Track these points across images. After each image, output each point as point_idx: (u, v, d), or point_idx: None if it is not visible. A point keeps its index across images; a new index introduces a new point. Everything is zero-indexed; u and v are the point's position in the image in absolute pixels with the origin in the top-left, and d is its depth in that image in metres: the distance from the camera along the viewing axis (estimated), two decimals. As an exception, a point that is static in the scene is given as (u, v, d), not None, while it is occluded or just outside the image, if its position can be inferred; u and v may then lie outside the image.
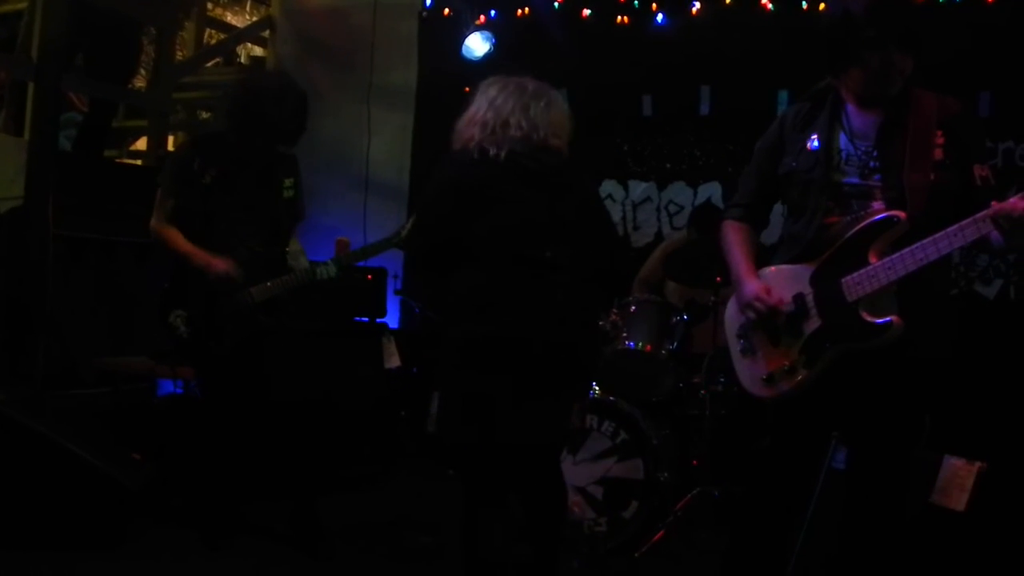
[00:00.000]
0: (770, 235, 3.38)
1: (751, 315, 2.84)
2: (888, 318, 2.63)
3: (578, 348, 3.16)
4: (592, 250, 3.21)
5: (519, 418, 3.03)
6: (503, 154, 3.07)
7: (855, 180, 2.77)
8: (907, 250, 2.60)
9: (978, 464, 3.46)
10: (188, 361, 4.34)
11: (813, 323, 2.76)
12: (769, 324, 2.83)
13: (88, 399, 5.34)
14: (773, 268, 2.90)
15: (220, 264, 3.94)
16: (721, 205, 5.91)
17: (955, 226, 2.54)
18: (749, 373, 2.91)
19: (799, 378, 2.77)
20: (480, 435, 3.06)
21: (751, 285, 2.87)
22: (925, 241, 2.57)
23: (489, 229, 3.05)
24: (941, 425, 3.56)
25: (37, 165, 5.25)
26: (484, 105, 3.19)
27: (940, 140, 2.71)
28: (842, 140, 2.80)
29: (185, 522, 4.27)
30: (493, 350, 3.01)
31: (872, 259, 2.66)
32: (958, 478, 3.44)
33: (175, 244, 4.00)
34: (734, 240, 3.02)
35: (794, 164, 2.87)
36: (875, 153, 2.76)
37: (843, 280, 2.70)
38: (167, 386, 5.51)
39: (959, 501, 3.41)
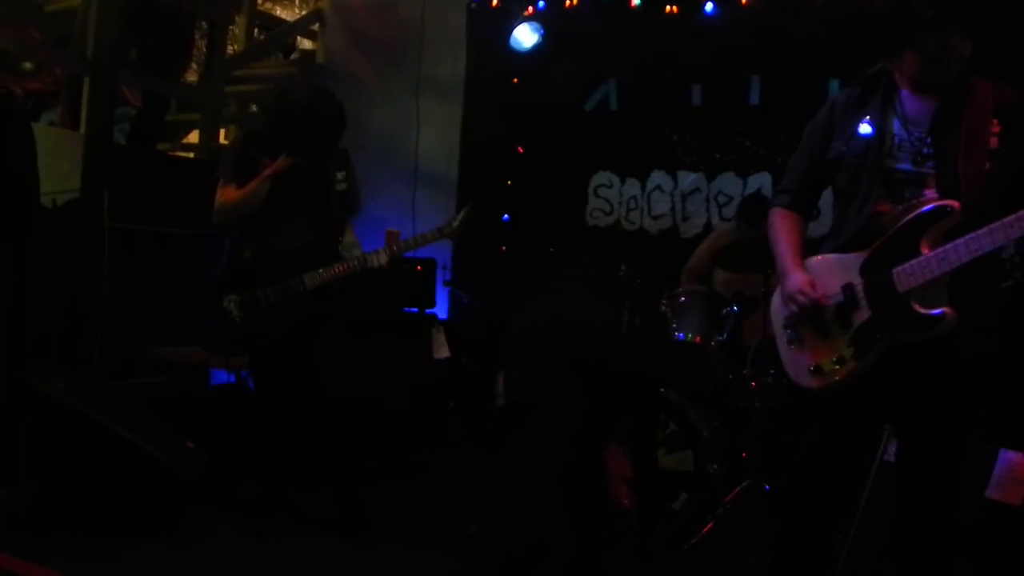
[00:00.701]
0: (819, 228, 3.34)
1: (793, 308, 2.81)
2: (940, 310, 2.59)
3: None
4: None
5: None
6: None
7: (907, 167, 2.72)
8: (961, 240, 2.56)
9: (1035, 458, 3.41)
10: (240, 349, 4.40)
11: (863, 314, 2.72)
12: (815, 316, 2.79)
13: (143, 388, 5.42)
14: (820, 257, 2.87)
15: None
16: (769, 196, 5.85)
17: (1012, 216, 2.50)
18: (796, 364, 2.87)
19: (848, 370, 2.73)
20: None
21: (796, 277, 2.83)
22: (980, 232, 2.53)
23: None
24: (997, 418, 3.52)
25: (93, 159, 5.33)
26: None
27: (996, 129, 2.66)
28: (895, 125, 2.76)
29: (238, 509, 4.34)
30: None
31: (924, 249, 2.62)
32: (1014, 472, 3.39)
33: (241, 193, 4.07)
34: (781, 228, 2.98)
35: (844, 149, 2.83)
36: (929, 140, 2.71)
37: (895, 270, 2.65)
38: (220, 376, 5.58)
39: (1016, 495, 3.37)
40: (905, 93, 2.79)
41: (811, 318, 2.80)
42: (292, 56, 8.65)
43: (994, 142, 2.66)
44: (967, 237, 2.55)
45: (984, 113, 2.67)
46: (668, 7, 6.29)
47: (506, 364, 3.32)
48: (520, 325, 3.37)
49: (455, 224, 4.18)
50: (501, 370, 3.36)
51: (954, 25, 2.64)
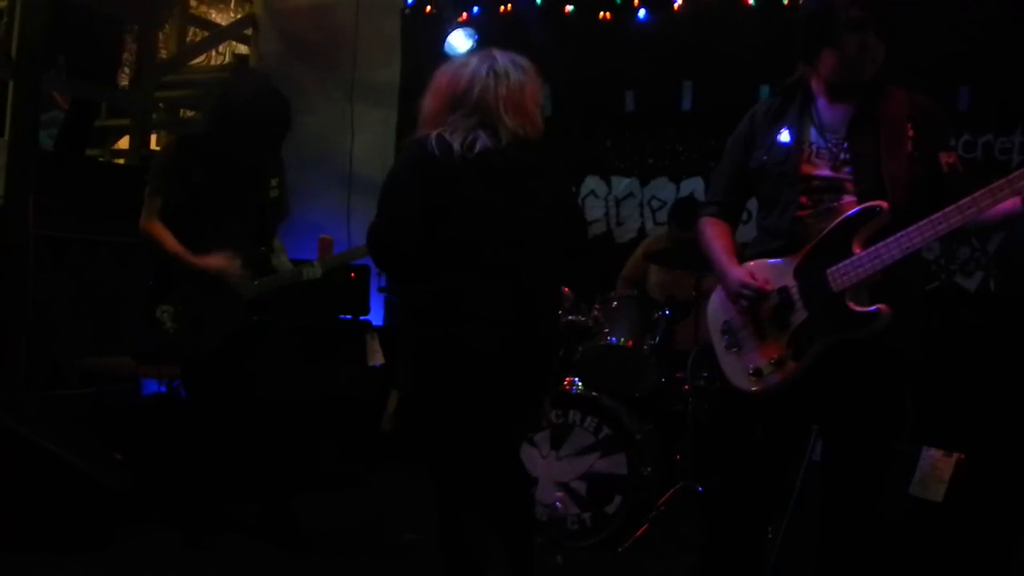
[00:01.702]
0: (750, 231, 3.39)
1: (741, 302, 2.83)
2: (875, 307, 2.64)
3: (543, 347, 3.09)
4: (559, 247, 3.12)
5: (486, 414, 2.97)
6: (468, 150, 2.89)
7: (826, 173, 2.78)
8: (892, 239, 2.61)
9: (956, 455, 3.48)
10: (173, 359, 4.33)
11: (799, 315, 2.76)
12: (755, 318, 2.84)
13: (71, 400, 5.33)
14: (752, 263, 2.90)
15: (214, 261, 3.95)
16: (699, 199, 5.91)
17: (938, 214, 2.56)
18: (735, 368, 2.90)
19: (788, 370, 2.76)
20: (447, 432, 2.98)
21: (735, 273, 2.86)
22: (910, 229, 2.59)
23: (453, 233, 2.91)
24: (921, 417, 3.59)
25: (18, 164, 5.24)
26: (449, 86, 3.00)
27: (911, 133, 2.74)
28: (812, 133, 2.82)
29: (169, 522, 4.27)
30: (460, 352, 2.90)
31: (856, 249, 2.66)
32: (936, 469, 3.46)
33: (164, 243, 3.97)
34: (712, 234, 3.02)
35: (764, 158, 2.88)
36: (845, 145, 2.77)
37: (828, 270, 2.70)
38: (151, 386, 5.50)
39: (937, 492, 3.44)
40: (821, 102, 2.85)
41: (752, 319, 2.84)
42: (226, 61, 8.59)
43: (909, 146, 2.73)
44: (897, 235, 2.61)
45: (899, 118, 2.75)
46: (602, 13, 6.34)
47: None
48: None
49: None
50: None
51: (875, 26, 2.71)
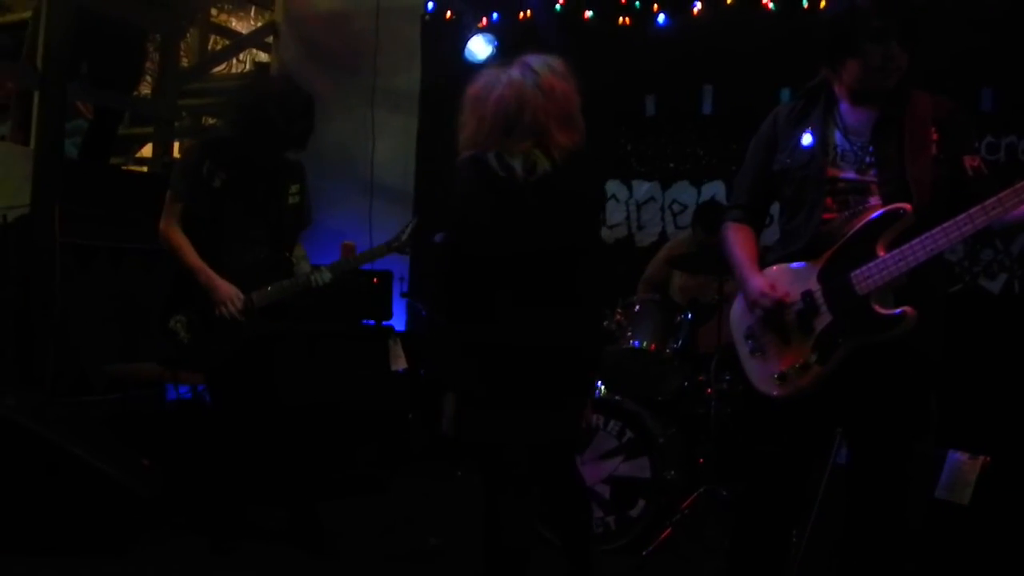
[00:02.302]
0: (773, 235, 3.39)
1: (759, 312, 2.84)
2: (900, 309, 2.63)
3: (584, 352, 3.17)
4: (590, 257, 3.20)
5: (533, 417, 3.04)
6: (518, 166, 2.99)
7: (852, 175, 2.78)
8: (916, 240, 2.61)
9: (982, 458, 3.47)
10: (194, 366, 4.36)
11: (824, 319, 2.75)
12: (778, 322, 2.83)
13: (98, 405, 5.36)
14: (775, 268, 2.90)
15: (225, 289, 3.97)
16: (724, 202, 5.91)
17: (963, 215, 2.56)
18: (760, 372, 2.89)
19: (813, 375, 2.75)
20: (499, 434, 3.06)
21: (755, 282, 2.87)
22: (935, 230, 2.59)
23: (511, 244, 3.01)
24: (946, 419, 3.58)
25: (43, 173, 5.29)
26: (498, 107, 3.03)
27: (935, 137, 2.73)
28: (837, 136, 2.82)
29: (194, 527, 4.30)
30: (507, 356, 3.01)
31: (880, 252, 2.66)
32: (962, 473, 3.45)
33: (183, 253, 4.00)
34: (735, 241, 3.02)
35: (788, 161, 2.88)
36: (871, 149, 2.77)
37: (853, 274, 2.69)
38: (173, 392, 5.53)
39: (963, 496, 3.42)
40: (844, 105, 2.85)
41: (775, 323, 2.83)
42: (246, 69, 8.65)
43: (934, 149, 2.72)
44: (922, 237, 2.60)
45: (923, 121, 2.74)
46: (621, 19, 6.35)
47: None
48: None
49: (403, 238, 4.19)
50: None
51: (898, 36, 2.70)
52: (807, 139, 2.84)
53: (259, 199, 4.11)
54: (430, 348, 5.97)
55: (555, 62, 3.10)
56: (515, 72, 3.04)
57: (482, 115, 3.04)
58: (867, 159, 2.77)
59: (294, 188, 4.20)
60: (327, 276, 4.12)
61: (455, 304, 3.18)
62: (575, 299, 3.06)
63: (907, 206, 2.65)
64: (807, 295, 2.78)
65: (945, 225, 2.58)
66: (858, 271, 2.69)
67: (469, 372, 3.10)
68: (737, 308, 3.02)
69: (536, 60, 3.08)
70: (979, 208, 2.55)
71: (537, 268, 3.01)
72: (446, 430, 5.12)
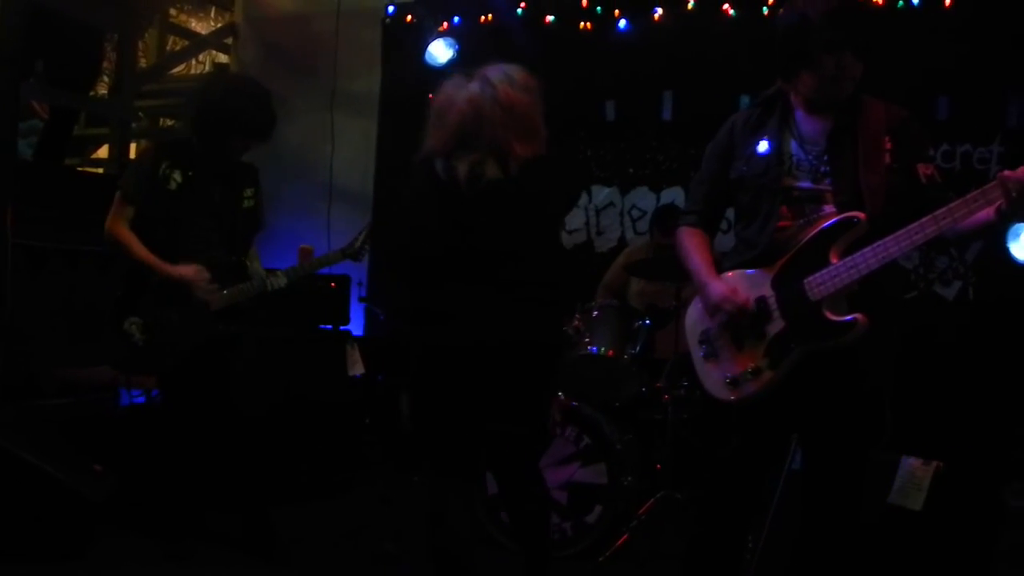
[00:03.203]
0: (728, 241, 3.40)
1: (722, 316, 2.86)
2: (852, 316, 2.66)
3: (545, 349, 3.17)
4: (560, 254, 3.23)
5: (493, 407, 3.07)
6: (467, 173, 3.00)
7: (807, 184, 2.80)
8: (868, 249, 2.64)
9: (935, 464, 3.50)
10: (148, 369, 4.31)
11: (776, 325, 2.79)
12: (732, 328, 2.85)
13: (49, 410, 5.28)
14: (730, 274, 2.92)
15: (183, 269, 3.93)
16: (681, 207, 5.93)
17: (915, 224, 2.60)
18: (713, 377, 2.92)
19: (764, 380, 2.78)
20: (454, 422, 3.08)
21: (716, 286, 2.88)
22: (887, 239, 2.62)
23: (457, 247, 3.03)
24: (900, 425, 3.61)
25: (-5, 174, 5.20)
26: (457, 121, 3.05)
27: (888, 146, 2.77)
28: (792, 145, 2.84)
29: (148, 533, 4.25)
30: (465, 357, 3.02)
31: (833, 259, 2.69)
32: (915, 478, 3.48)
33: (131, 250, 3.96)
34: (691, 245, 3.04)
35: (744, 169, 2.90)
36: (825, 158, 2.80)
37: (806, 280, 2.72)
38: (126, 396, 5.46)
39: (916, 501, 3.45)
40: (800, 114, 2.88)
41: (729, 330, 2.85)
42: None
43: (887, 158, 2.76)
44: (875, 244, 2.63)
45: (877, 130, 2.77)
46: (582, 23, 6.36)
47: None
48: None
49: (356, 244, 4.19)
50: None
51: (851, 48, 2.72)
52: (763, 147, 2.86)
53: (215, 201, 4.08)
54: (389, 348, 5.95)
55: (517, 73, 3.10)
56: (475, 86, 3.05)
57: (442, 128, 3.06)
58: (822, 168, 2.80)
59: (249, 192, 4.19)
60: (282, 281, 4.12)
61: (407, 303, 3.19)
62: (531, 297, 3.05)
63: (860, 215, 2.68)
64: (761, 301, 2.81)
65: (897, 234, 2.62)
66: (811, 278, 2.72)
67: (424, 369, 3.11)
68: (692, 313, 3.04)
69: (496, 73, 3.07)
70: (930, 218, 2.59)
71: (486, 268, 3.01)
72: (405, 428, 5.10)
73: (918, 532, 3.42)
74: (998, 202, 2.52)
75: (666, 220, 5.28)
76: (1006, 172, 2.51)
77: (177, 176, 4.01)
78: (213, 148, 4.03)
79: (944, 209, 2.57)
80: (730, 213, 3.10)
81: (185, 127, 4.82)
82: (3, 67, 5.28)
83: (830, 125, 2.82)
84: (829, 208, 2.76)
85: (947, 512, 3.44)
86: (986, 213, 2.57)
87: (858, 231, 2.68)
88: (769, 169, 2.83)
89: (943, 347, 5.11)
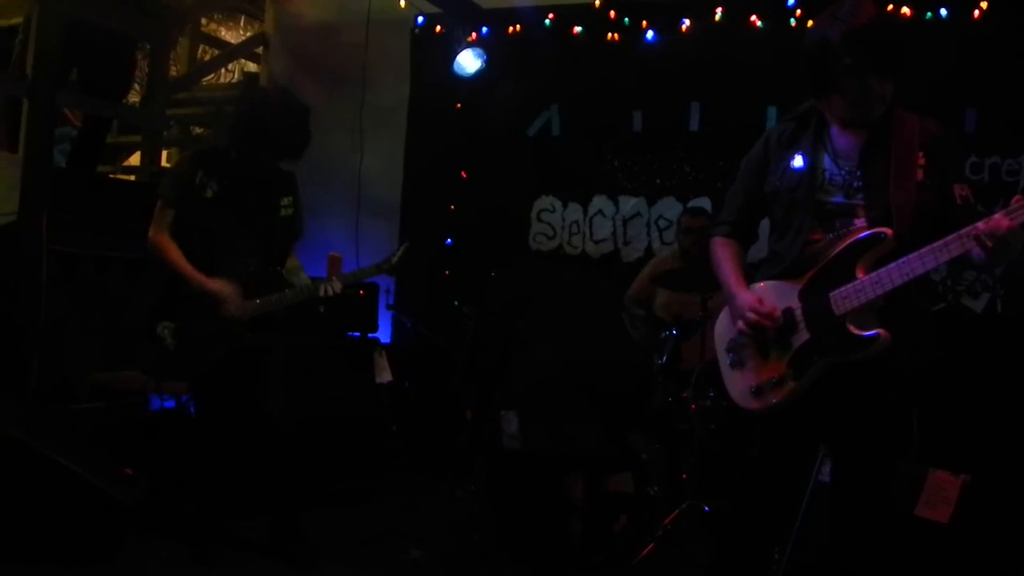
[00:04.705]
0: (759, 252, 3.41)
1: (743, 327, 2.87)
2: (874, 331, 2.67)
3: None
4: None
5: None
6: None
7: (840, 199, 2.81)
8: (893, 265, 2.65)
9: (962, 477, 3.49)
10: (178, 375, 4.35)
11: (801, 336, 2.80)
12: (759, 337, 2.86)
13: (82, 414, 5.34)
14: (761, 284, 2.94)
15: (216, 284, 3.98)
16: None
17: (940, 241, 2.59)
18: (738, 386, 2.94)
19: (787, 390, 2.80)
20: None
21: (744, 296, 2.91)
22: (911, 256, 2.62)
23: None
24: (927, 438, 3.61)
25: (31, 181, 5.28)
26: None
27: (922, 162, 2.76)
28: (826, 161, 2.85)
29: (177, 536, 4.29)
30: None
31: (859, 274, 2.70)
32: (942, 490, 3.48)
33: (171, 259, 4.00)
34: (723, 255, 3.06)
35: (778, 183, 2.91)
36: (859, 173, 2.80)
37: (831, 294, 2.74)
38: (156, 401, 5.52)
39: (943, 513, 3.45)
40: (834, 130, 2.88)
41: (756, 339, 2.86)
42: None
43: (920, 174, 2.75)
44: (899, 261, 2.64)
45: (911, 146, 2.77)
46: (609, 34, 6.37)
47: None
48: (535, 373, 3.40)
49: (394, 260, 4.21)
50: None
51: (873, 70, 2.72)
52: (798, 162, 2.87)
53: (250, 211, 4.11)
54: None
55: None
56: None
57: None
58: (855, 183, 2.80)
59: (286, 200, 4.20)
60: (337, 286, 4.12)
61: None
62: None
63: (888, 230, 2.69)
64: (787, 312, 2.82)
65: (922, 251, 2.62)
66: (836, 292, 2.73)
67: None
68: (721, 321, 3.05)
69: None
70: (954, 236, 2.57)
71: None
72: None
73: (945, 545, 3.41)
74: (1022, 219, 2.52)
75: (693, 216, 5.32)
76: (979, 224, 2.51)
77: (214, 184, 4.05)
78: (246, 160, 4.07)
79: (969, 227, 2.57)
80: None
81: (217, 135, 4.87)
82: (41, 76, 5.38)
83: (864, 140, 2.82)
84: (860, 222, 2.77)
85: (974, 525, 3.43)
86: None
87: (885, 247, 2.69)
88: (802, 183, 2.85)
89: (971, 359, 5.09)
